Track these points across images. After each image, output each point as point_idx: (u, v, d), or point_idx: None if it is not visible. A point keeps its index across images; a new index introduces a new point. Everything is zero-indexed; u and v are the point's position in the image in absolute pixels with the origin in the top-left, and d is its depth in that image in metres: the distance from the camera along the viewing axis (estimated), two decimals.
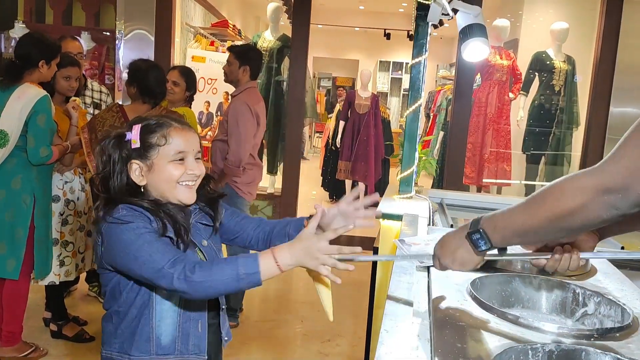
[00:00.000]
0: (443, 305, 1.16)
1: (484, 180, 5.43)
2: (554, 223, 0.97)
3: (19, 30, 5.37)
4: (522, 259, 1.38)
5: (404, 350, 0.93)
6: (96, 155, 1.32)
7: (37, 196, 2.69)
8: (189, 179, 1.28)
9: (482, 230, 1.07)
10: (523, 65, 5.43)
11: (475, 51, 2.06)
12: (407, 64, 11.10)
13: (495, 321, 1.09)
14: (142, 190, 1.28)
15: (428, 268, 1.38)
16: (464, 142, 5.15)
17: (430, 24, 2.13)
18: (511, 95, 5.39)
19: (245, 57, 3.32)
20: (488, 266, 1.44)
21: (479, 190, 5.60)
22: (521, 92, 5.40)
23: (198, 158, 1.31)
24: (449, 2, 2.00)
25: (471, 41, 2.01)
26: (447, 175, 5.28)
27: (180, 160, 1.27)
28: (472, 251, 1.10)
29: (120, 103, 2.91)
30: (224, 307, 1.41)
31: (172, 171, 1.26)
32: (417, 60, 2.19)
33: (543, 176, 5.48)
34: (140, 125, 1.28)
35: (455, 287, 1.27)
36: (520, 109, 5.42)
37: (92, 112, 3.42)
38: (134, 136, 1.26)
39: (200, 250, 1.32)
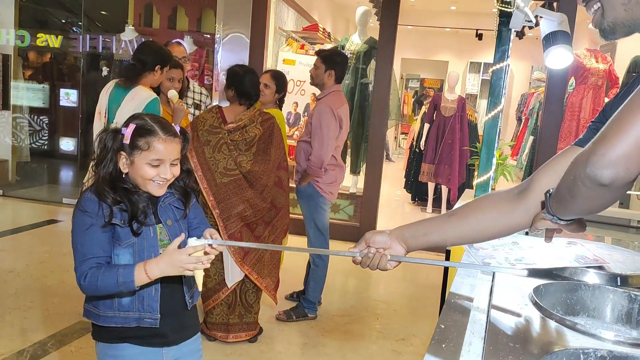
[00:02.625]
0: (502, 307, 1.21)
1: None
2: None
3: (129, 33, 5.87)
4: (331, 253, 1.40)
5: (457, 344, 1.01)
6: (95, 143, 1.60)
7: None
8: (159, 180, 1.55)
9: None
10: (621, 70, 5.16)
11: (559, 58, 2.05)
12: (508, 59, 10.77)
13: (552, 326, 1.13)
14: (124, 176, 1.55)
15: (493, 273, 1.44)
16: (553, 148, 4.99)
17: (513, 30, 2.15)
18: (607, 100, 5.14)
19: (331, 61, 3.45)
20: (556, 274, 1.47)
21: None
22: None
23: (174, 164, 1.57)
24: (532, 10, 2.01)
25: (554, 48, 2.01)
26: None
27: (156, 165, 1.53)
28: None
29: (219, 104, 3.14)
30: (184, 277, 1.63)
31: (148, 171, 1.53)
32: (498, 66, 2.21)
33: (638, 185, 5.18)
34: (135, 126, 1.53)
35: (518, 292, 1.32)
36: None
37: (192, 112, 3.70)
38: (127, 133, 1.53)
39: (164, 227, 1.59)
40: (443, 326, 1.07)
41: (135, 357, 1.58)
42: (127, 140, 1.52)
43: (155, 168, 1.53)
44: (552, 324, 1.14)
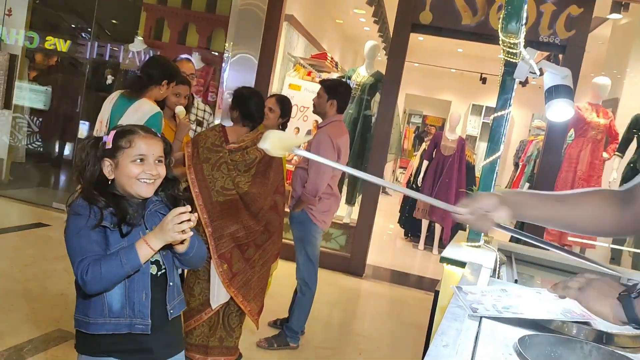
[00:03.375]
0: (486, 355, 1.20)
1: (569, 238, 5.23)
2: None
3: (137, 44, 5.93)
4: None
5: None
6: (77, 151, 1.66)
7: None
8: (146, 177, 1.57)
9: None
10: (621, 126, 5.23)
11: (560, 111, 2.08)
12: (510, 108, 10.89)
13: None
14: (110, 183, 1.58)
15: (480, 318, 1.43)
16: None
17: (516, 80, 2.18)
18: (605, 155, 5.20)
19: (334, 91, 3.49)
20: (541, 326, 1.46)
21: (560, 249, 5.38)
22: (616, 153, 5.19)
23: (160, 161, 1.60)
24: (537, 62, 2.04)
25: (556, 101, 2.04)
26: (527, 229, 5.14)
27: (140, 161, 1.56)
28: (617, 311, 1.07)
29: (222, 124, 3.15)
30: (171, 283, 1.65)
31: (133, 169, 1.56)
32: (500, 113, 2.23)
33: (632, 242, 5.19)
34: (115, 131, 1.59)
35: (503, 342, 1.31)
36: (613, 170, 5.21)
37: (194, 128, 3.71)
38: (108, 139, 1.58)
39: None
40: None
41: None
42: (109, 146, 1.57)
43: (139, 165, 1.56)
44: None
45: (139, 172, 1.56)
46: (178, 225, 1.45)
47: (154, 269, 1.60)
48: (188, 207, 1.48)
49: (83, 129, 6.13)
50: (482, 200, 1.31)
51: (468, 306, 1.46)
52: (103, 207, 1.52)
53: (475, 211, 1.30)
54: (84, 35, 6.59)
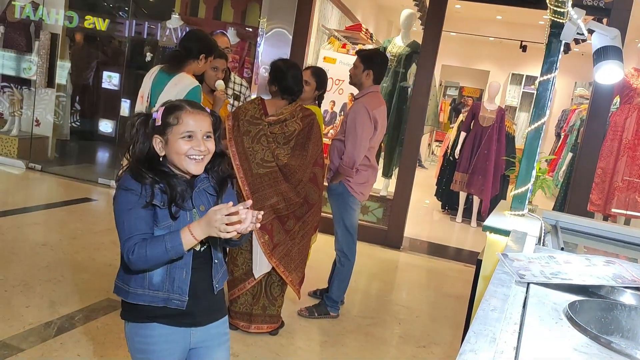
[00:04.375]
0: (536, 320, 1.19)
1: (613, 209, 5.09)
2: None
3: (174, 21, 5.98)
4: None
5: (488, 352, 0.99)
6: (127, 128, 1.65)
7: None
8: (195, 153, 1.57)
9: None
10: None
11: (609, 74, 2.00)
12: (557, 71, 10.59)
13: (587, 342, 1.11)
14: (161, 159, 1.59)
15: (528, 284, 1.41)
16: (593, 166, 4.88)
17: (563, 42, 2.10)
18: None
19: (369, 61, 3.44)
20: (591, 292, 1.44)
21: (605, 219, 5.26)
22: None
23: (208, 137, 1.60)
24: (584, 23, 1.97)
25: (605, 63, 1.96)
26: (571, 199, 5.03)
27: (189, 137, 1.56)
28: None
29: (261, 97, 3.16)
30: (216, 260, 1.67)
31: (182, 146, 1.56)
32: (545, 77, 2.16)
33: None
34: (163, 107, 1.59)
35: (553, 307, 1.29)
36: None
37: (232, 102, 3.74)
38: (158, 116, 1.58)
39: (197, 213, 1.61)
40: (474, 332, 1.06)
41: (164, 337, 1.61)
42: (158, 122, 1.57)
43: (188, 141, 1.56)
44: (587, 340, 1.11)
45: (188, 148, 1.56)
46: (225, 226, 1.45)
47: (197, 246, 1.61)
48: (239, 206, 1.47)
49: (124, 106, 6.25)
50: None
51: (515, 272, 1.45)
52: (150, 184, 1.53)
53: None
54: (121, 14, 6.67)
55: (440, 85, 13.18)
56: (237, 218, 1.45)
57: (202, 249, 1.63)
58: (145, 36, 6.30)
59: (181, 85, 2.91)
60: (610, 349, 1.08)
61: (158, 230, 1.54)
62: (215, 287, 1.67)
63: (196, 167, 1.59)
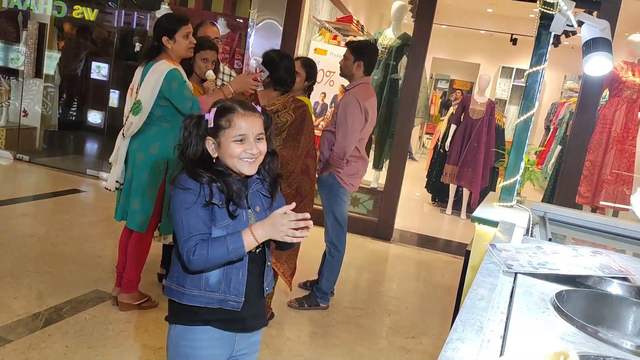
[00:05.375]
0: (523, 309, 1.20)
1: (601, 202, 5.14)
2: None
3: (163, 11, 5.91)
4: None
5: (475, 341, 1.00)
6: (179, 130, 1.61)
7: (171, 162, 3.00)
8: (247, 156, 1.56)
9: None
10: None
11: (598, 65, 2.01)
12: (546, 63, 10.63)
13: (573, 332, 1.12)
14: (215, 160, 1.57)
15: (515, 274, 1.42)
16: (581, 159, 4.91)
17: (553, 33, 2.11)
18: None
19: (360, 52, 3.43)
20: (578, 282, 1.45)
21: (593, 211, 5.30)
22: None
23: (259, 139, 1.58)
24: (574, 15, 1.97)
25: (594, 55, 1.97)
26: (560, 191, 5.07)
27: (240, 141, 1.54)
28: None
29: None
30: (269, 263, 1.66)
31: (234, 149, 1.54)
32: (535, 69, 2.17)
33: None
34: (215, 109, 1.57)
35: (540, 297, 1.30)
36: None
37: None
38: (210, 118, 1.56)
39: (252, 213, 1.60)
40: (462, 321, 1.06)
41: (213, 341, 1.58)
42: (211, 124, 1.55)
43: (240, 144, 1.54)
44: (573, 329, 1.12)
45: (240, 151, 1.54)
46: (292, 231, 1.45)
47: (253, 247, 1.59)
48: (307, 214, 1.47)
49: (113, 97, 6.20)
50: None
51: (503, 262, 1.46)
52: (208, 183, 1.52)
53: None
54: (110, 4, 6.59)
55: (431, 78, 13.19)
56: (305, 224, 1.46)
57: (257, 250, 1.61)
58: (134, 26, 6.24)
59: (158, 71, 2.89)
60: (597, 338, 1.09)
61: (216, 229, 1.53)
62: (265, 289, 1.67)
63: (250, 169, 1.58)
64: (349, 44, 3.62)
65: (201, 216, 1.50)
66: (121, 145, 3.04)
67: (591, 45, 1.97)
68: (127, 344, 2.75)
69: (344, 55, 3.52)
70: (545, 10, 1.97)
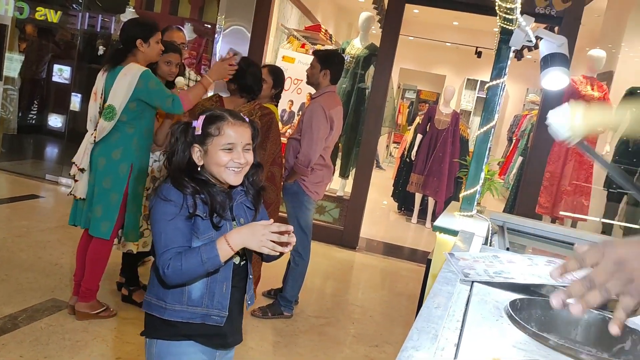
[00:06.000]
0: (478, 317, 1.22)
1: (560, 212, 5.27)
2: None
3: (129, 14, 5.84)
4: None
5: (430, 349, 1.01)
6: (167, 136, 1.57)
7: (134, 167, 2.95)
8: (234, 165, 1.54)
9: None
10: (615, 99, 5.23)
11: (555, 80, 2.07)
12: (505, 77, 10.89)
13: (525, 339, 1.14)
14: (200, 169, 1.54)
15: (472, 283, 1.44)
16: (541, 170, 5.04)
17: (512, 48, 2.16)
18: (599, 128, 5.20)
19: (326, 61, 3.46)
20: (533, 291, 1.48)
21: (553, 222, 5.44)
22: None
23: (247, 149, 1.56)
24: (533, 31, 2.02)
25: (551, 70, 2.03)
26: (520, 202, 5.18)
27: (229, 149, 1.53)
28: None
29: (219, 94, 3.12)
30: (250, 276, 1.64)
31: (222, 157, 1.52)
32: (495, 82, 2.22)
33: (623, 215, 5.25)
34: (204, 116, 1.55)
35: (494, 305, 1.32)
36: (606, 144, 5.22)
37: None
38: (198, 125, 1.54)
39: (237, 225, 1.57)
40: (417, 329, 1.07)
41: (198, 355, 1.55)
42: (198, 132, 1.53)
43: (228, 153, 1.52)
44: (526, 338, 1.14)
45: (228, 160, 1.52)
46: (272, 243, 1.42)
47: (237, 259, 1.57)
48: (291, 227, 1.44)
49: (75, 100, 6.06)
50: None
51: (460, 271, 1.48)
52: (192, 194, 1.49)
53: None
54: (75, 6, 6.47)
55: (399, 88, 13.36)
56: (288, 239, 1.43)
57: (241, 262, 1.58)
58: (98, 29, 6.13)
59: (131, 73, 2.85)
60: (547, 345, 1.12)
61: (199, 242, 1.49)
62: (248, 303, 1.64)
63: (235, 178, 1.55)
64: (315, 53, 3.64)
65: (180, 229, 1.47)
66: (87, 151, 2.99)
67: (549, 60, 2.03)
68: (84, 354, 2.68)
69: (310, 64, 3.54)
70: (504, 26, 2.03)
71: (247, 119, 1.60)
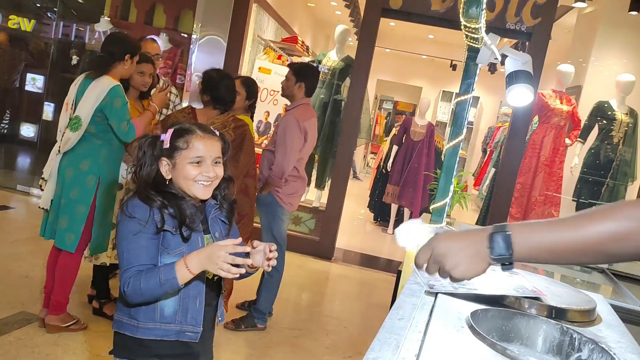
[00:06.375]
0: (440, 328, 1.25)
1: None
2: (594, 245, 0.91)
3: (103, 24, 5.80)
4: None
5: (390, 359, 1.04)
6: (134, 150, 1.57)
7: (102, 179, 2.94)
8: (203, 179, 1.53)
9: (507, 234, 0.98)
10: (584, 113, 5.37)
11: (519, 96, 2.13)
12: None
13: (484, 350, 1.17)
14: (168, 183, 1.53)
15: (436, 294, 1.48)
16: (512, 181, 5.14)
17: (479, 65, 2.22)
18: (568, 141, 5.34)
19: (301, 74, 3.50)
20: (495, 301, 1.52)
21: None
22: (578, 139, 5.34)
23: (217, 162, 1.56)
24: (499, 48, 2.09)
25: (516, 86, 2.09)
26: (492, 212, 5.27)
27: (197, 163, 1.52)
28: (483, 255, 1.02)
29: (192, 106, 3.13)
30: (223, 291, 1.63)
31: (190, 171, 1.51)
32: (463, 98, 2.28)
33: None
34: (172, 129, 1.53)
35: (457, 315, 1.35)
36: (575, 156, 5.36)
37: (160, 110, 3.67)
38: (166, 138, 1.51)
39: (211, 239, 1.56)
40: (379, 341, 1.10)
41: None
42: (167, 145, 1.51)
43: (197, 167, 1.51)
44: (484, 347, 1.18)
45: (197, 174, 1.51)
46: (228, 266, 1.37)
47: (210, 274, 1.55)
48: (247, 247, 1.43)
49: (48, 110, 5.99)
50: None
51: (425, 282, 1.51)
52: (160, 208, 1.47)
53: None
54: (49, 14, 6.41)
55: (376, 98, 13.50)
56: (243, 261, 1.41)
57: (215, 278, 1.56)
58: (72, 38, 6.08)
59: (100, 87, 2.85)
60: (505, 355, 1.15)
61: (170, 257, 1.47)
62: (217, 319, 1.63)
63: (204, 192, 1.54)
64: (291, 66, 3.68)
65: (144, 246, 1.45)
66: (54, 161, 2.96)
67: (513, 78, 2.09)
68: None
69: (285, 76, 3.57)
70: (471, 44, 2.09)
71: (217, 133, 1.59)
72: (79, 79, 3.01)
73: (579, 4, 5.58)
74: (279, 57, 6.37)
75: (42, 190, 3.04)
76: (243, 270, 1.42)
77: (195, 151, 1.51)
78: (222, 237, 1.57)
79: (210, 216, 1.58)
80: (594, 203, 5.47)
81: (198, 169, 1.51)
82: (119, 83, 2.92)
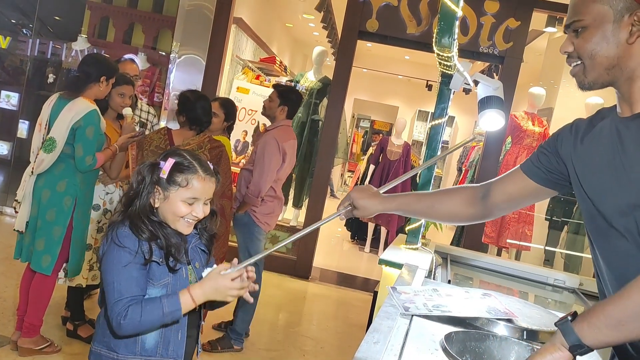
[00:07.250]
0: (414, 350, 1.28)
1: (507, 240, 5.46)
2: None
3: (81, 42, 5.78)
4: None
5: None
6: (133, 174, 1.56)
7: (79, 200, 2.91)
8: (191, 218, 1.53)
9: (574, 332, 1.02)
10: None
11: (491, 121, 2.20)
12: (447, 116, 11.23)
13: None
14: (155, 210, 1.52)
15: (412, 316, 1.51)
16: None
17: (452, 90, 2.29)
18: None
19: (286, 97, 3.54)
20: (469, 323, 1.56)
21: (499, 250, 5.63)
22: None
23: (207, 203, 1.55)
24: (471, 75, 2.15)
25: (487, 112, 2.15)
26: (467, 231, 5.35)
27: (190, 203, 1.51)
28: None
29: (168, 127, 3.13)
30: (202, 323, 1.63)
31: (182, 209, 1.51)
32: (437, 122, 2.34)
33: (564, 244, 5.49)
34: (174, 161, 1.51)
35: (431, 338, 1.39)
36: None
37: (138, 130, 3.66)
38: (165, 168, 1.49)
39: (193, 269, 1.56)
40: None
41: None
42: (164, 175, 1.49)
43: (189, 206, 1.50)
44: None
45: (187, 212, 1.50)
46: (238, 292, 1.44)
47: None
48: (242, 271, 1.46)
49: (22, 127, 5.91)
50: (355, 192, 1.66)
51: (401, 305, 1.54)
52: (148, 239, 1.46)
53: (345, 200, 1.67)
54: (25, 31, 6.36)
55: (353, 117, 13.62)
56: (243, 284, 1.45)
57: (197, 308, 1.54)
58: (49, 56, 6.04)
59: (76, 109, 2.84)
60: None
61: (154, 289, 1.46)
62: (199, 351, 1.62)
63: (187, 229, 1.54)
64: (276, 87, 3.72)
65: (135, 277, 1.43)
66: (27, 182, 2.93)
67: (485, 103, 2.16)
68: None
69: (269, 96, 3.61)
70: (444, 71, 2.15)
71: (215, 172, 1.58)
72: (53, 98, 2.98)
73: (549, 29, 5.76)
74: (257, 77, 6.42)
75: (16, 212, 3.00)
76: (257, 287, 1.50)
77: (193, 192, 1.50)
78: (201, 267, 1.57)
79: (190, 246, 1.58)
80: (566, 221, 5.59)
81: (189, 209, 1.51)
82: (95, 107, 2.90)
